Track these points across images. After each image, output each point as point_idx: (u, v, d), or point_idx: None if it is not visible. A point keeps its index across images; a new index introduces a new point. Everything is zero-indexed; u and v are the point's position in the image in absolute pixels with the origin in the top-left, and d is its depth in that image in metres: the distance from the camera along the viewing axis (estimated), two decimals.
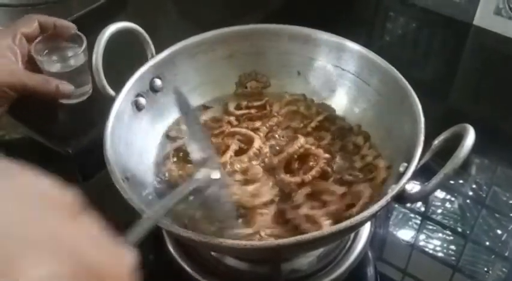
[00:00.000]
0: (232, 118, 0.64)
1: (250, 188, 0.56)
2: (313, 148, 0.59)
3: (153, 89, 0.62)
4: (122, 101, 0.57)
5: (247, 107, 0.66)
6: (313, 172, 0.56)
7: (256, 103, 0.66)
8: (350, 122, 0.64)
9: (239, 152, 0.60)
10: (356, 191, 0.55)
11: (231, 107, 0.66)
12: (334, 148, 0.61)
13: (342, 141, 0.62)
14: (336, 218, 0.52)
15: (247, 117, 0.65)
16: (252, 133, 0.61)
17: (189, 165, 0.59)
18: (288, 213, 0.54)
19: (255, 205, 0.55)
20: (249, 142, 0.61)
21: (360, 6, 1.00)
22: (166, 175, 0.59)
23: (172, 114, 0.64)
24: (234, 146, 0.60)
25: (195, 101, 0.66)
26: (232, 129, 0.62)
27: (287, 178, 0.57)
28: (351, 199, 0.55)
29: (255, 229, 0.52)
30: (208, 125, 0.64)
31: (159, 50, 0.62)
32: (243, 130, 0.62)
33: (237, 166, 0.58)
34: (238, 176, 0.57)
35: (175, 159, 0.60)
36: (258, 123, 0.63)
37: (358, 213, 0.48)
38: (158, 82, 0.62)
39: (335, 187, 0.56)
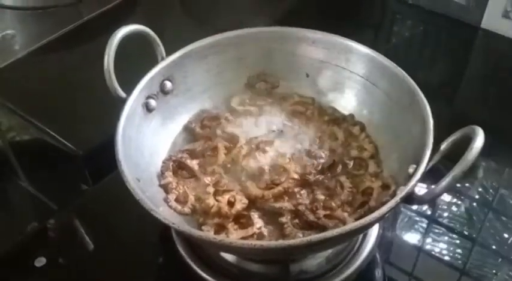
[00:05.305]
0: (228, 114, 0.65)
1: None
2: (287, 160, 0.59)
3: (164, 91, 0.62)
4: (132, 103, 0.57)
5: (250, 105, 0.66)
6: (275, 190, 0.56)
7: (259, 102, 0.66)
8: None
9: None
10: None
11: (234, 103, 0.66)
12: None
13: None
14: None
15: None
16: (236, 132, 0.62)
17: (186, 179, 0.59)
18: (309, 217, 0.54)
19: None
20: (233, 141, 0.62)
21: (367, 9, 1.00)
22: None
23: (183, 116, 0.65)
24: (221, 144, 0.61)
25: (205, 103, 0.66)
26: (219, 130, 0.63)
27: (252, 187, 0.57)
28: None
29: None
30: (205, 125, 0.64)
31: (169, 52, 0.62)
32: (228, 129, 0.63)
33: None
34: None
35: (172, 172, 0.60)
36: None
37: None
38: (168, 84, 0.62)
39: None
